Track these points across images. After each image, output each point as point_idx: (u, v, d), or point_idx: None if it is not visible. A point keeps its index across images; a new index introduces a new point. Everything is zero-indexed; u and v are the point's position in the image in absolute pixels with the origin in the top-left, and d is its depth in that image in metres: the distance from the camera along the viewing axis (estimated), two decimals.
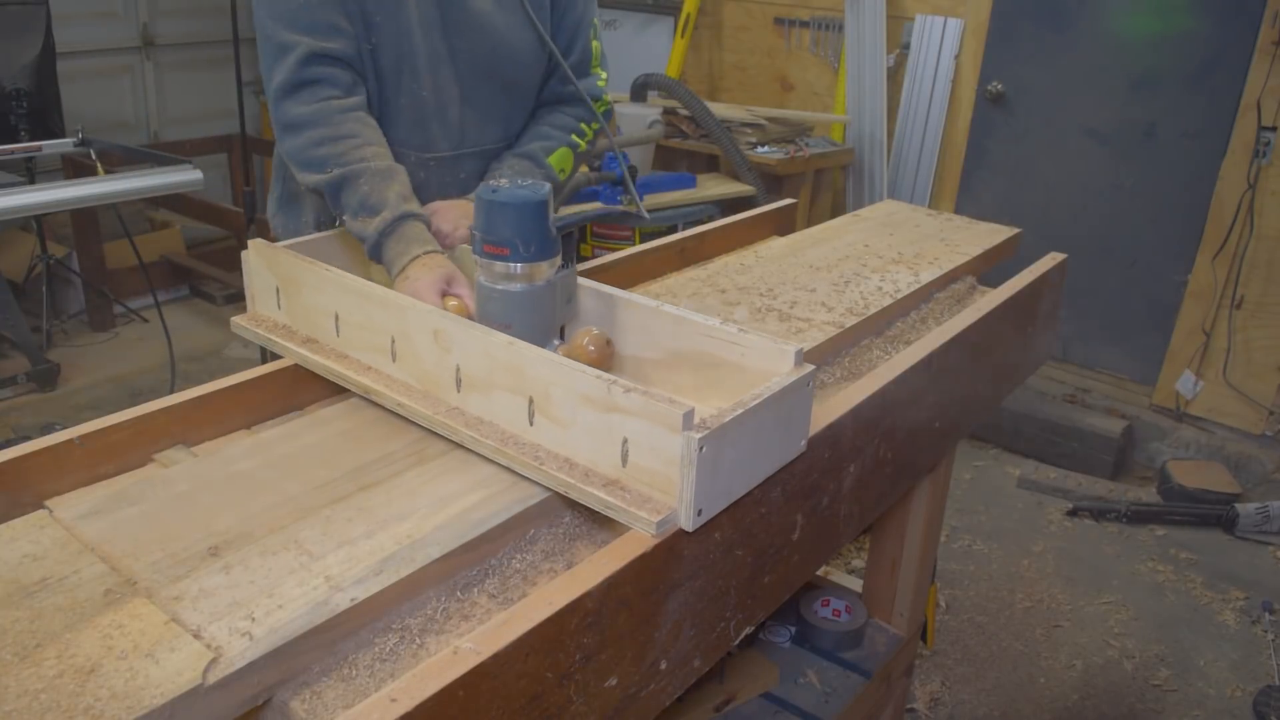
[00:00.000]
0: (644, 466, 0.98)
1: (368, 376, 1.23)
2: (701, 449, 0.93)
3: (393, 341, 1.21)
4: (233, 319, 1.42)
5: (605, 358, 1.18)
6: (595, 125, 1.69)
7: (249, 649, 0.81)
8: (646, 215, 1.26)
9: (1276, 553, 3.28)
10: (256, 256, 1.38)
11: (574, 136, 1.67)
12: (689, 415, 0.94)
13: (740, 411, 0.98)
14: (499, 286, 1.19)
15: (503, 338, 1.10)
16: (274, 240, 1.58)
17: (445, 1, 1.50)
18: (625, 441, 0.99)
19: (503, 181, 1.19)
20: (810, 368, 1.10)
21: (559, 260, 1.20)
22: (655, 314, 1.22)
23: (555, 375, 1.04)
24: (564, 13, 1.61)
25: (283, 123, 1.44)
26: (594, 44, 1.67)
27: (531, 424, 1.08)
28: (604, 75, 1.71)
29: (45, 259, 4.18)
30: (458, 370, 1.14)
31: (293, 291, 1.34)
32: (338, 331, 1.28)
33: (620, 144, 3.75)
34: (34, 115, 3.61)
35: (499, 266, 1.17)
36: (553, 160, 1.64)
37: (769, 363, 1.12)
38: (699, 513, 0.96)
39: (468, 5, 1.52)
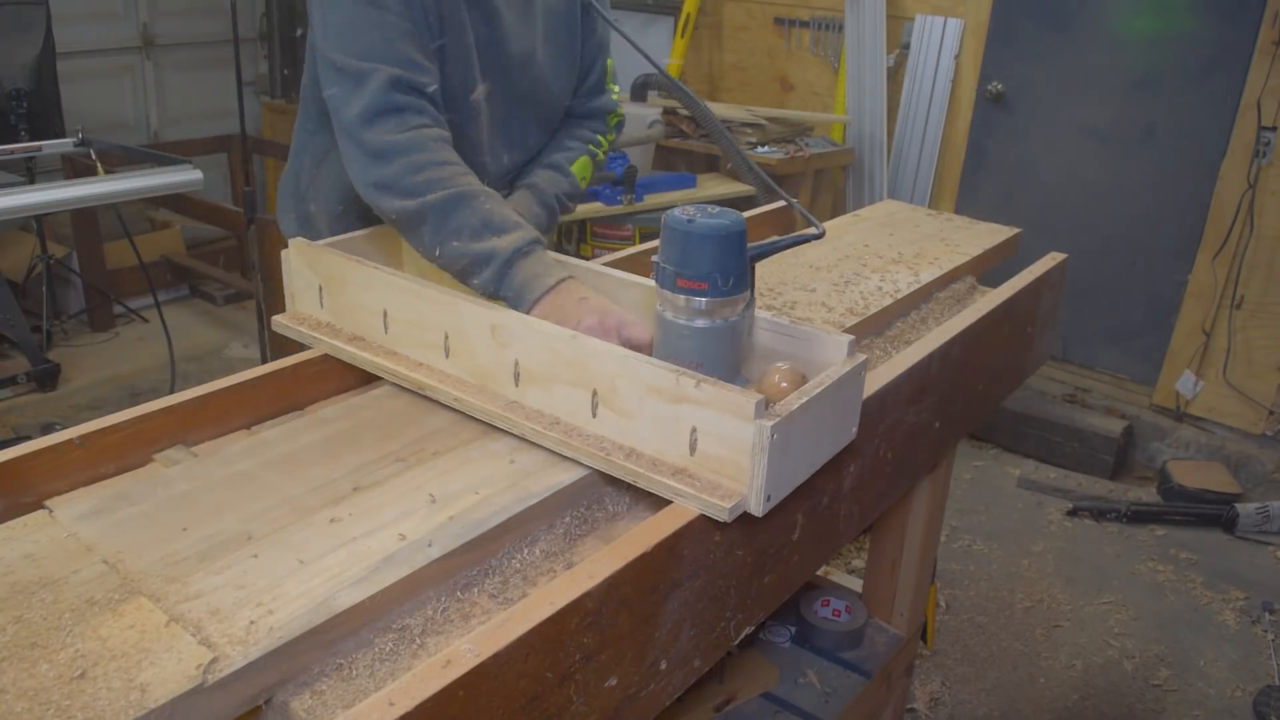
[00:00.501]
0: (713, 454, 1.01)
1: (420, 372, 1.25)
2: (773, 436, 0.96)
3: (446, 337, 1.23)
4: (274, 318, 1.43)
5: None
6: (611, 136, 1.73)
7: (249, 649, 0.81)
8: (821, 228, 1.21)
9: (1276, 553, 3.28)
10: (298, 256, 1.39)
11: (592, 147, 1.70)
12: (761, 404, 0.97)
13: (806, 399, 1.01)
14: (691, 324, 1.10)
15: (566, 332, 1.11)
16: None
17: (493, 43, 1.49)
18: (694, 431, 1.02)
19: (691, 210, 1.10)
20: (863, 358, 1.13)
21: (749, 294, 1.13)
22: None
23: (621, 368, 1.06)
24: (589, 35, 1.64)
25: (369, 151, 1.33)
26: (609, 61, 1.71)
27: (594, 416, 1.10)
28: (616, 90, 1.75)
29: (45, 259, 4.18)
30: (516, 365, 1.16)
31: (337, 290, 1.35)
32: (386, 329, 1.30)
33: (620, 144, 3.75)
34: (34, 115, 3.60)
35: (697, 302, 1.09)
36: (575, 169, 1.66)
37: (822, 353, 1.15)
38: (768, 498, 1.00)
39: (509, 45, 1.51)
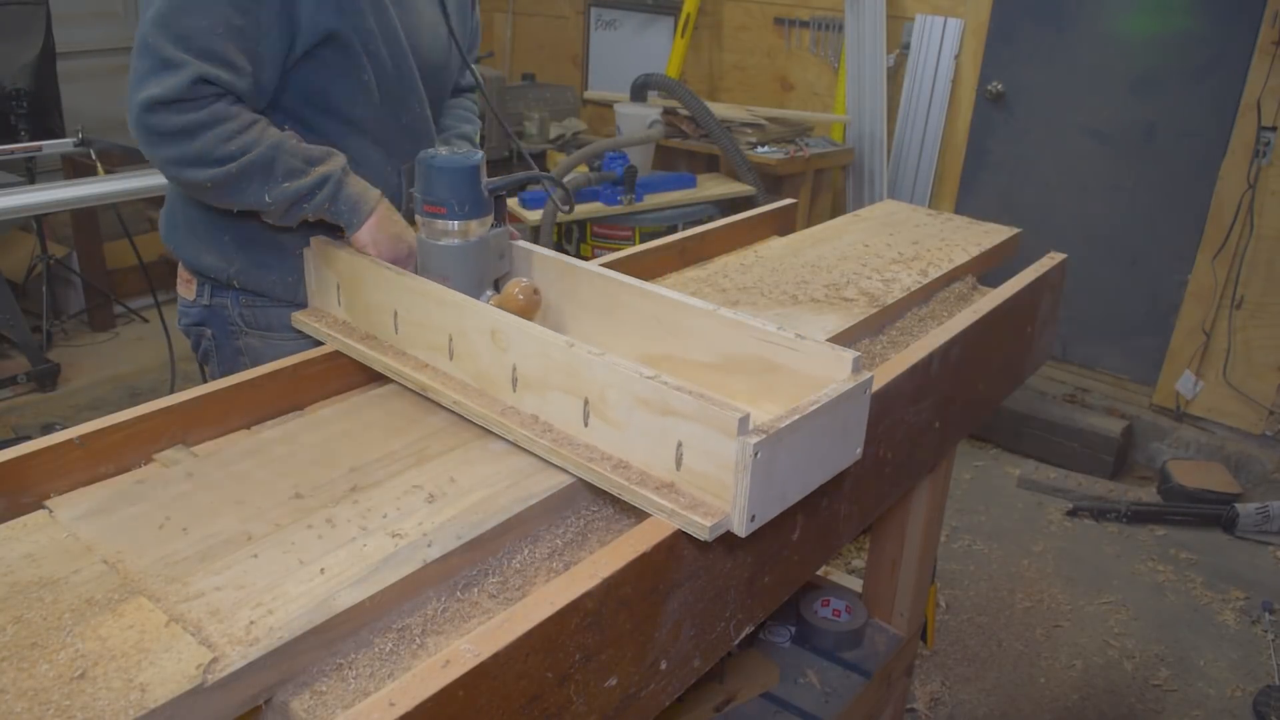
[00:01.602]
0: (698, 470, 0.99)
1: (424, 374, 1.26)
2: (757, 454, 0.93)
3: (450, 340, 1.24)
4: (293, 315, 1.46)
5: (532, 306, 1.29)
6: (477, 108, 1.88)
7: (249, 649, 0.81)
8: (567, 189, 1.46)
9: (1276, 553, 3.28)
10: (317, 254, 1.43)
11: (476, 117, 1.83)
12: (744, 420, 0.94)
13: (796, 418, 0.98)
14: (437, 243, 1.33)
15: (561, 339, 1.11)
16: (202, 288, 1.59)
17: (408, 42, 1.52)
18: (680, 445, 0.99)
19: (440, 149, 1.31)
20: (868, 375, 1.10)
21: (490, 219, 1.35)
22: (710, 318, 1.22)
23: (611, 377, 1.05)
24: (470, 13, 1.73)
25: (163, 132, 1.32)
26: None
27: (586, 425, 1.09)
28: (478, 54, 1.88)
29: (45, 259, 4.18)
30: (514, 369, 1.16)
31: (353, 289, 1.39)
32: (396, 329, 1.32)
33: (620, 144, 3.75)
34: (34, 115, 3.61)
35: (437, 224, 1.32)
36: (478, 140, 1.80)
37: (825, 369, 1.12)
38: (752, 518, 0.96)
39: (420, 40, 1.56)
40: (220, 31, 1.33)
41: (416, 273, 1.33)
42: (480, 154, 1.32)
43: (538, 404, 1.14)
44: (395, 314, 1.31)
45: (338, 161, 1.41)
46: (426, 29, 1.57)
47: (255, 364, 1.52)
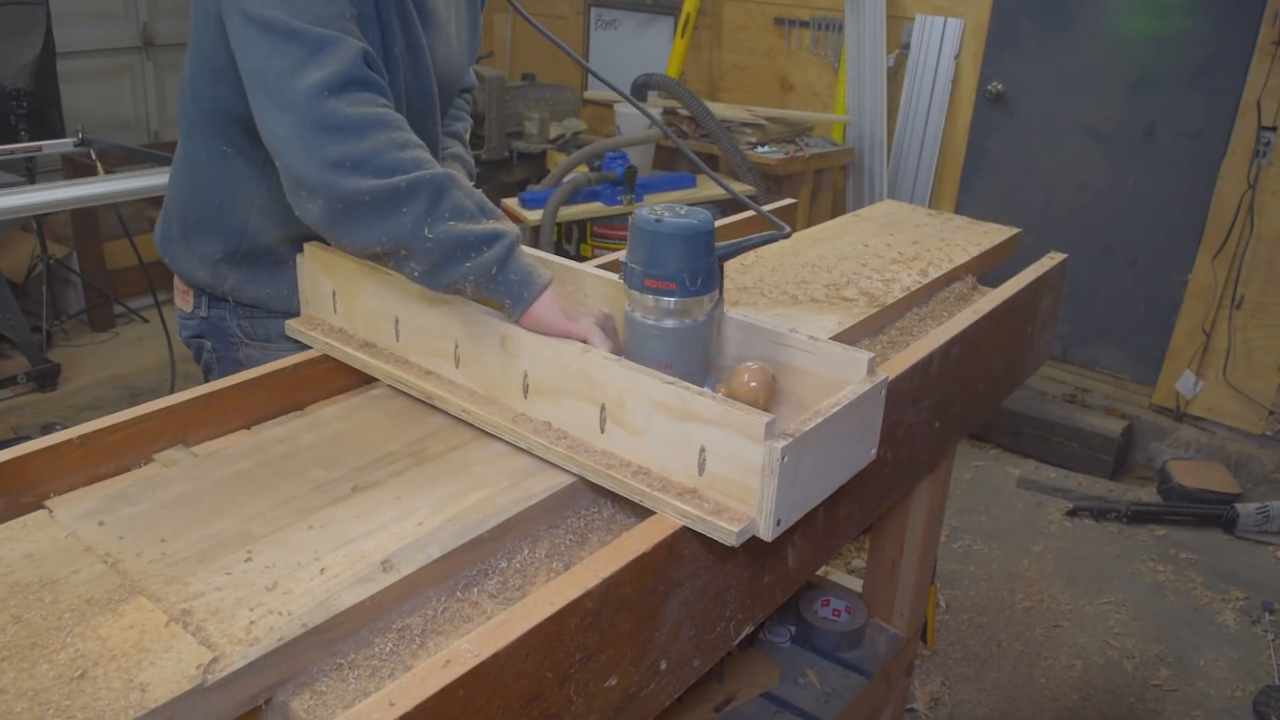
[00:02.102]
0: (721, 475, 0.98)
1: (429, 381, 1.23)
2: (783, 458, 0.92)
3: (456, 346, 1.21)
4: (287, 323, 1.40)
5: (770, 395, 1.09)
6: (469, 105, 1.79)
7: (249, 649, 0.81)
8: (787, 229, 1.20)
9: (1276, 553, 3.28)
10: (313, 260, 1.37)
11: (468, 115, 1.75)
12: (771, 424, 0.93)
13: (820, 420, 0.98)
14: (659, 323, 1.10)
15: (576, 345, 1.09)
16: (200, 299, 1.52)
17: (430, 29, 1.44)
18: (703, 450, 0.99)
19: (660, 210, 1.09)
20: (883, 377, 1.10)
21: (718, 294, 1.14)
22: (724, 321, 1.21)
23: (629, 382, 1.04)
24: (479, 24, 1.64)
25: (330, 125, 1.13)
26: None
27: (603, 431, 1.07)
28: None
29: (45, 259, 4.18)
30: (525, 376, 1.14)
31: (350, 296, 1.33)
32: (398, 336, 1.28)
33: (620, 144, 3.75)
34: (34, 115, 3.61)
35: (665, 303, 1.09)
36: (467, 138, 1.71)
37: (840, 371, 1.11)
38: (778, 522, 0.96)
39: (447, 54, 1.50)
40: (350, 16, 1.20)
41: (621, 353, 1.13)
42: (709, 216, 1.10)
43: (551, 411, 1.13)
44: (396, 320, 1.28)
45: (511, 225, 1.18)
46: (450, 47, 1.50)
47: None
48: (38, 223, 4.13)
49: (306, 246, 1.38)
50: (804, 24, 4.53)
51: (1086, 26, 3.79)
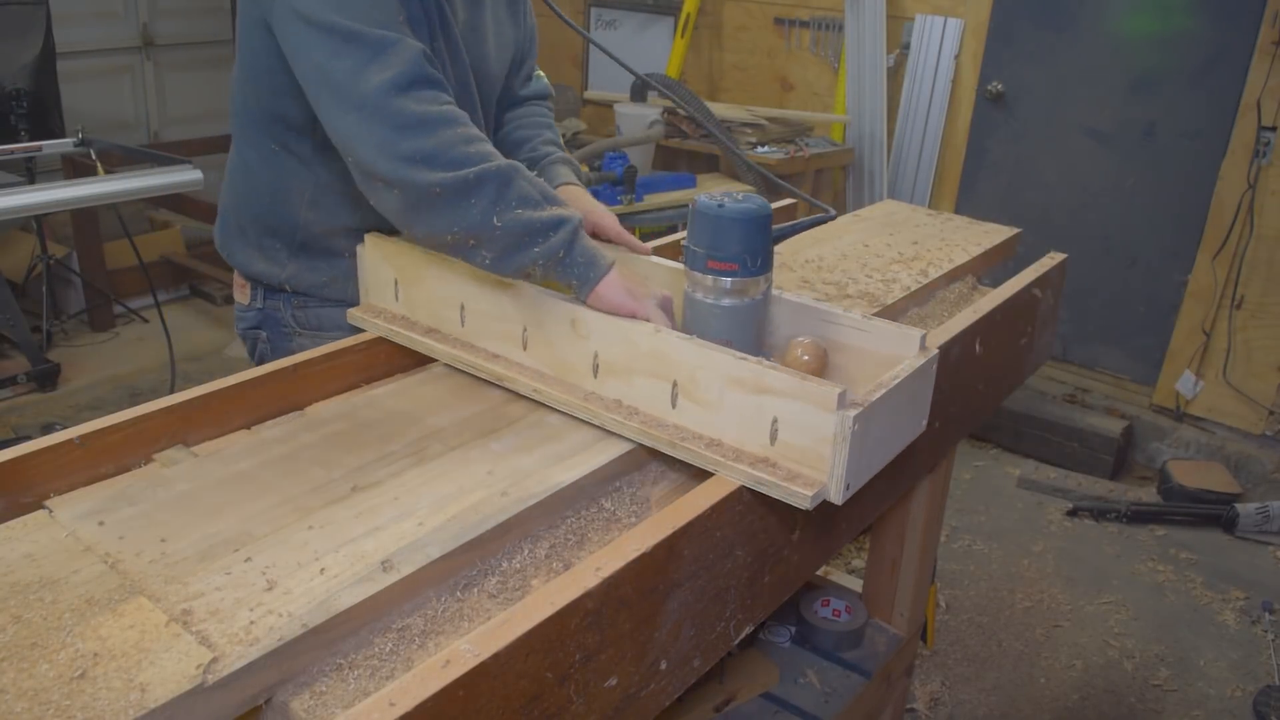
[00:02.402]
0: (793, 444, 1.04)
1: (497, 364, 1.28)
2: (855, 426, 0.99)
3: (524, 330, 1.25)
4: (349, 311, 1.45)
5: (822, 367, 1.16)
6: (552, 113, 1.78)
7: (249, 649, 0.81)
8: (832, 211, 1.28)
9: (1276, 553, 3.28)
10: (374, 250, 1.42)
11: (553, 124, 1.73)
12: (844, 395, 1.00)
13: (884, 391, 1.06)
14: (719, 303, 1.18)
15: (648, 325, 1.14)
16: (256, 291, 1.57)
17: (474, 45, 1.48)
18: (775, 421, 1.04)
19: (720, 196, 1.16)
20: (934, 352, 1.17)
21: (771, 274, 1.21)
22: (776, 302, 1.27)
23: (701, 359, 1.09)
24: (524, 24, 1.64)
25: (401, 123, 1.18)
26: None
27: (674, 407, 1.13)
28: (542, 74, 1.76)
29: (45, 259, 4.18)
30: (595, 356, 1.19)
31: (413, 283, 1.38)
32: (463, 321, 1.33)
33: (620, 144, 3.75)
34: (34, 115, 3.60)
35: (725, 283, 1.16)
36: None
37: (892, 347, 1.18)
38: (847, 487, 1.03)
39: (488, 60, 1.51)
40: (403, 19, 1.25)
41: (679, 328, 1.19)
42: (767, 202, 1.17)
43: (621, 389, 1.18)
44: (462, 306, 1.32)
45: (575, 211, 1.24)
46: (485, 45, 1.51)
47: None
48: (38, 223, 4.13)
49: (368, 237, 1.42)
50: (804, 24, 4.53)
51: (1086, 26, 3.79)
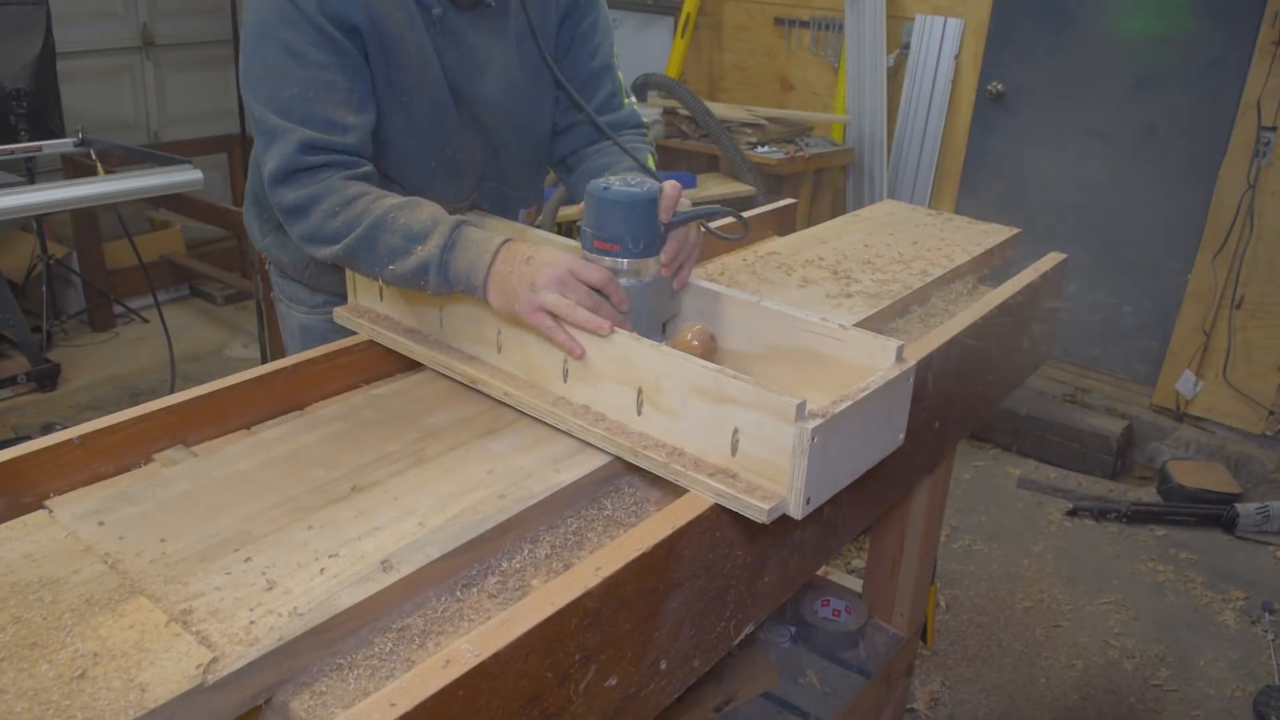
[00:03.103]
0: (754, 456, 1.02)
1: (472, 366, 1.29)
2: (814, 439, 0.97)
3: (499, 333, 1.25)
4: (335, 310, 1.48)
5: (709, 352, 1.21)
6: (650, 139, 1.71)
7: (249, 649, 0.81)
8: (748, 230, 1.28)
9: (1276, 553, 3.28)
10: None
11: (649, 143, 1.67)
12: (802, 406, 0.97)
13: (849, 404, 1.03)
14: None
15: (618, 331, 1.13)
16: (262, 255, 1.68)
17: (462, 82, 1.47)
18: (736, 431, 1.03)
19: (613, 180, 1.21)
20: (911, 364, 1.14)
21: (664, 257, 1.24)
22: (755, 310, 1.27)
23: (666, 366, 1.08)
24: (583, 55, 1.60)
25: (283, 209, 1.34)
26: (619, 75, 1.67)
27: (639, 414, 1.12)
28: (630, 102, 1.69)
29: (45, 259, 4.18)
30: (565, 361, 1.19)
31: None
32: (441, 324, 1.33)
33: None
34: (34, 115, 3.60)
35: (607, 262, 1.20)
36: (650, 164, 1.62)
37: (869, 358, 1.16)
38: (808, 501, 1.00)
39: (481, 79, 1.48)
40: (312, 94, 1.31)
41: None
42: (656, 185, 1.20)
43: (590, 395, 1.17)
44: (440, 308, 1.33)
45: (440, 232, 1.24)
46: (487, 80, 1.49)
47: (284, 330, 1.75)
48: (38, 223, 4.13)
49: None
50: (804, 24, 4.53)
51: (1087, 26, 3.79)
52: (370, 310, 1.44)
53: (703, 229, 1.34)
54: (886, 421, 1.12)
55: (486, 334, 1.28)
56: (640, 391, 1.11)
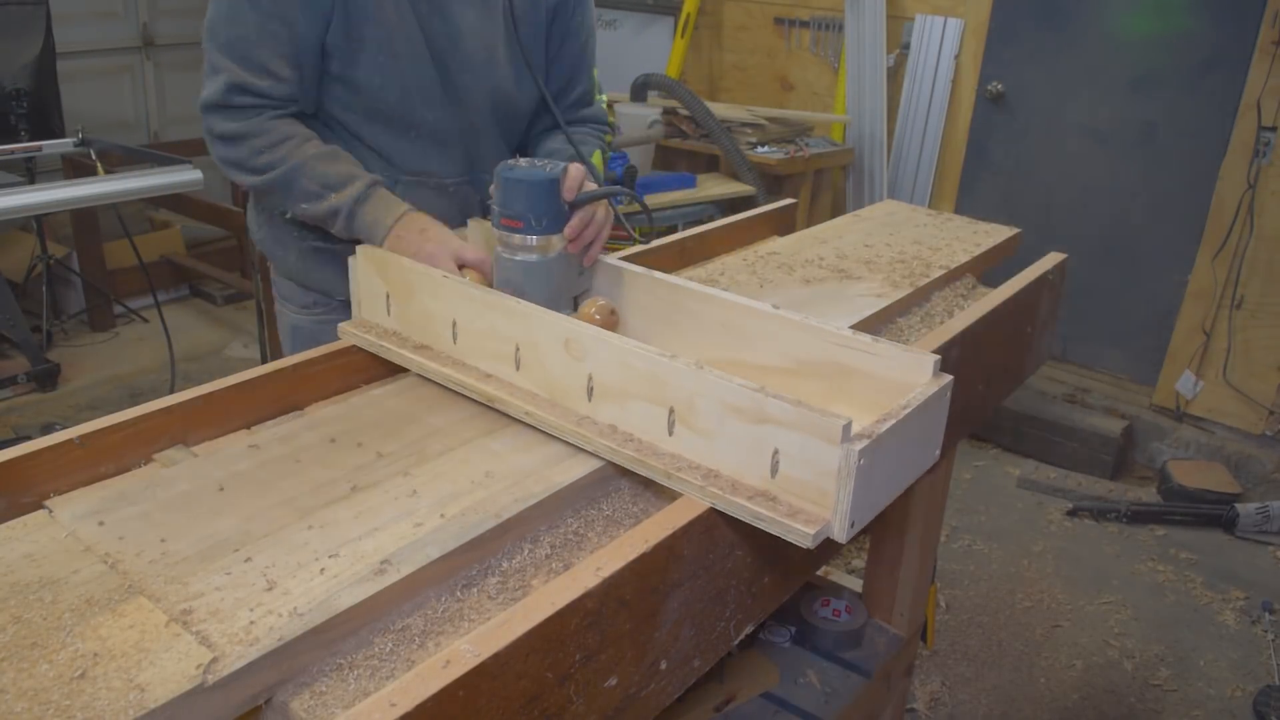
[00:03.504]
0: (795, 478, 0.98)
1: (489, 384, 1.23)
2: (860, 461, 0.93)
3: (517, 349, 1.21)
4: (340, 325, 1.41)
5: (610, 325, 1.24)
6: (609, 137, 1.87)
7: (249, 649, 0.81)
8: (647, 207, 1.35)
9: (1276, 553, 3.28)
10: (366, 263, 1.39)
11: (604, 140, 1.83)
12: (848, 427, 0.94)
13: (893, 422, 0.99)
14: (515, 257, 1.29)
15: (644, 347, 1.09)
16: (261, 254, 1.74)
17: (444, 47, 1.55)
18: (776, 453, 0.99)
19: (520, 161, 1.28)
20: (948, 378, 1.11)
21: (569, 233, 1.30)
22: (779, 322, 1.22)
23: (700, 386, 1.03)
24: (566, 46, 1.71)
25: (213, 134, 1.50)
26: (595, 73, 1.80)
27: (670, 434, 1.07)
28: (604, 98, 1.87)
29: (45, 259, 4.18)
30: (590, 379, 1.13)
31: (404, 298, 1.34)
32: (455, 338, 1.28)
33: (620, 144, 3.75)
34: (34, 115, 3.60)
35: (515, 239, 1.28)
36: (594, 160, 1.74)
37: (904, 373, 1.12)
38: (853, 524, 0.97)
39: (466, 41, 1.57)
40: (255, 38, 1.43)
41: (492, 287, 1.31)
42: (561, 166, 1.27)
43: (616, 414, 1.12)
44: (454, 323, 1.28)
45: (356, 187, 1.45)
46: (469, 58, 1.58)
47: (280, 329, 1.81)
48: (38, 223, 4.13)
49: (359, 249, 1.40)
50: (804, 24, 4.53)
51: (1086, 26, 3.79)
52: (376, 326, 1.39)
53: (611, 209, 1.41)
54: (925, 438, 1.09)
55: (504, 350, 1.23)
56: (672, 411, 1.06)
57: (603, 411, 1.14)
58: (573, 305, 1.35)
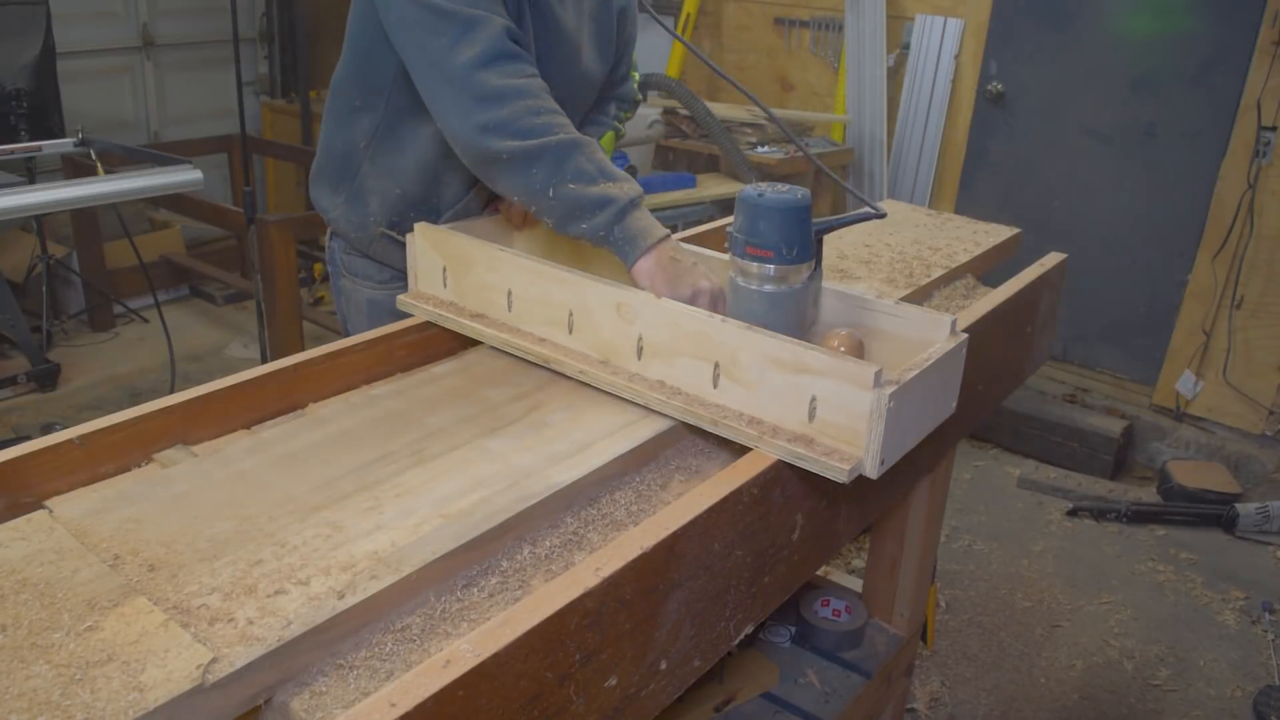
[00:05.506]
0: (831, 421, 1.09)
1: (544, 347, 1.33)
2: (890, 404, 1.04)
3: (570, 314, 1.30)
4: (399, 297, 1.50)
5: (858, 355, 1.23)
6: (628, 115, 1.91)
7: (249, 649, 0.81)
8: (882, 209, 1.30)
9: (1276, 553, 3.28)
10: (423, 239, 1.47)
11: (616, 123, 1.85)
12: (880, 374, 1.04)
13: (918, 371, 1.10)
14: (758, 288, 1.24)
15: (691, 309, 1.20)
16: (330, 231, 1.73)
17: (547, 30, 1.54)
18: (813, 400, 1.09)
19: (762, 185, 1.24)
20: (964, 336, 1.23)
21: (814, 264, 1.26)
22: (821, 292, 1.32)
23: (742, 341, 1.14)
24: (625, 31, 1.81)
25: (481, 94, 1.33)
26: (634, 53, 1.87)
27: (715, 387, 1.18)
28: (637, 76, 1.90)
29: (45, 259, 4.18)
30: (640, 339, 1.24)
31: (461, 271, 1.43)
32: (510, 307, 1.38)
33: (620, 144, 3.75)
34: (34, 115, 3.60)
35: (756, 267, 1.23)
36: (603, 144, 1.78)
37: (925, 331, 1.25)
38: (882, 462, 1.08)
39: (563, 35, 1.57)
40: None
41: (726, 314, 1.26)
42: (807, 193, 1.22)
43: (664, 370, 1.23)
44: (509, 293, 1.36)
45: (630, 189, 1.34)
46: (568, 52, 1.60)
47: (348, 305, 1.76)
48: (38, 223, 4.13)
49: (417, 226, 1.47)
50: (804, 24, 4.53)
51: (1086, 26, 3.79)
52: (433, 296, 1.48)
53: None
54: (944, 390, 1.20)
55: (557, 316, 1.32)
56: (717, 365, 1.16)
57: (652, 369, 1.24)
58: (811, 334, 1.30)
